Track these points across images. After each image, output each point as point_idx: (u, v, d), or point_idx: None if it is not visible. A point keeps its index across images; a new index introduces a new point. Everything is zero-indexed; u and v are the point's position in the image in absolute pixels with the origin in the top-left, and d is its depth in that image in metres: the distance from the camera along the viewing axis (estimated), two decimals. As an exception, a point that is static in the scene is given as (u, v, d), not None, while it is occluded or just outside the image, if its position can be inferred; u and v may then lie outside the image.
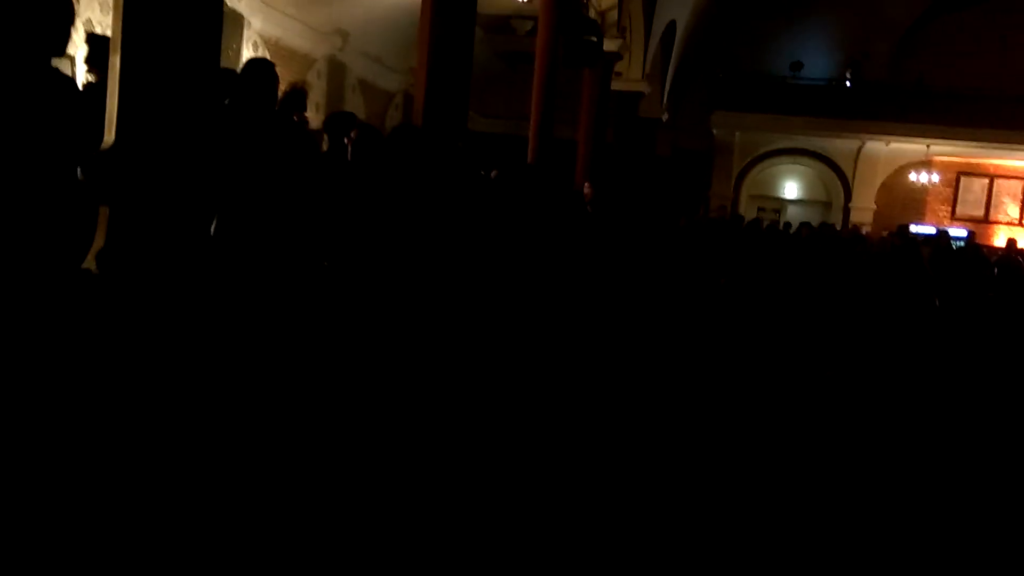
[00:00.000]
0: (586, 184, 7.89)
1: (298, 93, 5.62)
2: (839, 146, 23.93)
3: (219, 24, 3.52)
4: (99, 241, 3.09)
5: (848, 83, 23.75)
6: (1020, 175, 23.70)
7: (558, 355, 5.23)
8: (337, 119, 5.38)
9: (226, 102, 4.00)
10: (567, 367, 5.28)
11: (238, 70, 4.26)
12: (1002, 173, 23.81)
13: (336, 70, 15.78)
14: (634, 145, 18.82)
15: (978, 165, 23.80)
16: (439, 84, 6.82)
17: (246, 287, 3.60)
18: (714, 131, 23.97)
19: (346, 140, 4.65)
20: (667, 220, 10.89)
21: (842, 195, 24.50)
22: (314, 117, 12.66)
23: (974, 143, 22.40)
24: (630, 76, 16.81)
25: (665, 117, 22.12)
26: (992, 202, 24.08)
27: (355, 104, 16.16)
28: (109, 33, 3.28)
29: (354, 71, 16.46)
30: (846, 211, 24.05)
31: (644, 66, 16.91)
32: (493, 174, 5.79)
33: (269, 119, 4.08)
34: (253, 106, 4.00)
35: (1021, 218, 23.82)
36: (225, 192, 3.69)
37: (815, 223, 15.59)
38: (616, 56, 14.28)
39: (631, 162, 17.92)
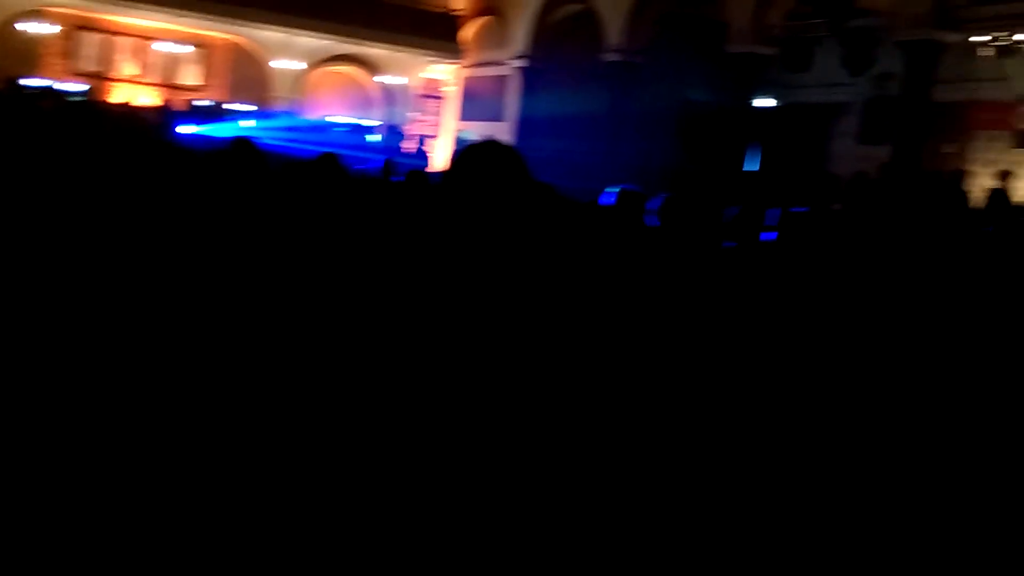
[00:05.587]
0: None
1: None
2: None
3: None
4: None
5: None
6: (136, 33, 24.40)
7: None
8: None
9: None
10: None
11: None
12: (120, 30, 24.23)
13: None
14: None
15: (96, 20, 23.75)
16: None
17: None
18: None
19: None
20: None
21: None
22: None
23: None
24: None
25: None
26: (111, 59, 24.41)
27: None
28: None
29: None
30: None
31: None
32: None
33: None
34: None
35: (141, 76, 24.67)
36: None
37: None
38: None
39: None
